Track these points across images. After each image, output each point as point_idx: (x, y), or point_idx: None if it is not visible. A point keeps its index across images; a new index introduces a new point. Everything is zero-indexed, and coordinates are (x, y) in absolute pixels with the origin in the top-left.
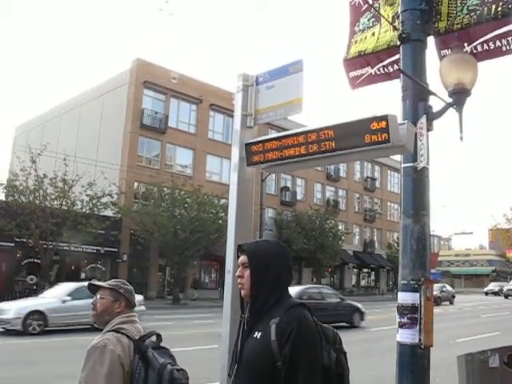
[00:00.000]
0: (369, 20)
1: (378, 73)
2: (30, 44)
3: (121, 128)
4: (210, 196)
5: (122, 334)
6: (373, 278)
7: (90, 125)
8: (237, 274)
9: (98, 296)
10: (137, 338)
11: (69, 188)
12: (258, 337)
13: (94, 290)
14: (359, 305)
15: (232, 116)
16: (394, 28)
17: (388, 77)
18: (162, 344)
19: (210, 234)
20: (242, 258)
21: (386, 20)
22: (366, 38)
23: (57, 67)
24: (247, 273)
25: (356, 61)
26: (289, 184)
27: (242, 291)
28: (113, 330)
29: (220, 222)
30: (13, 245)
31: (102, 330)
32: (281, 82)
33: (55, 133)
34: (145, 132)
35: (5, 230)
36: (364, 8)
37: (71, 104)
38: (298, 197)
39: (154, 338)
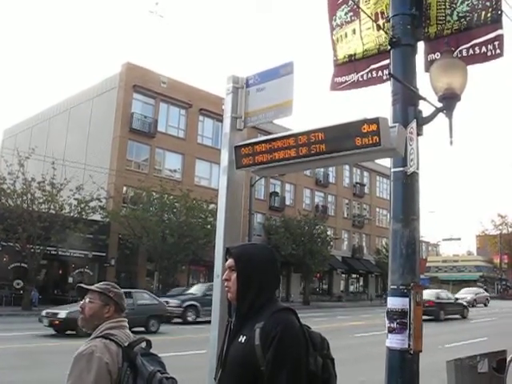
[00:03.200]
0: (346, 14)
1: (361, 79)
2: (20, 46)
3: (110, 132)
4: (199, 201)
5: (111, 340)
6: (361, 283)
7: (78, 128)
8: (223, 277)
9: (87, 299)
10: (126, 344)
11: (57, 192)
12: (243, 341)
13: (82, 293)
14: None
15: (221, 121)
16: (378, 27)
17: (371, 82)
18: (151, 350)
19: (199, 239)
20: (229, 261)
21: (367, 15)
22: (346, 35)
23: (46, 70)
24: (234, 276)
25: (345, 67)
26: (278, 189)
27: (229, 294)
28: (101, 336)
29: (209, 226)
30: (0, 249)
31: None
32: (271, 84)
33: (44, 136)
34: (134, 136)
35: None
36: (341, 0)
37: (60, 107)
38: (287, 202)
39: (143, 345)
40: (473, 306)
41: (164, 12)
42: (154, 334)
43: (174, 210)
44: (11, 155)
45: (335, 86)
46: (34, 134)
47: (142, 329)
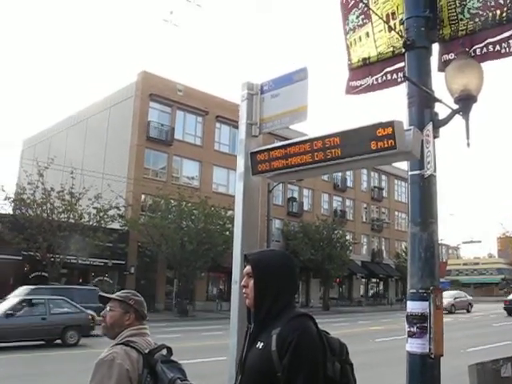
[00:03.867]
0: (357, 17)
1: (376, 83)
2: (38, 58)
3: (127, 141)
4: (217, 208)
5: (131, 347)
6: (381, 287)
7: (96, 138)
8: (242, 283)
9: (108, 308)
10: (146, 351)
11: (76, 201)
12: (260, 347)
13: (104, 301)
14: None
15: (238, 127)
16: (390, 28)
17: (386, 85)
18: (171, 357)
19: (218, 246)
20: (247, 268)
21: (379, 17)
22: (360, 38)
23: (63, 80)
24: (251, 282)
25: (360, 70)
26: (296, 195)
27: (247, 301)
28: (122, 343)
29: (227, 233)
30: (20, 258)
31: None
32: (285, 90)
33: (62, 146)
34: (151, 144)
35: (12, 243)
36: (351, 4)
37: (78, 117)
38: (305, 207)
39: (164, 352)
40: (450, 313)
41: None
42: (74, 347)
43: (193, 217)
44: (31, 165)
45: (350, 90)
46: (53, 144)
47: (59, 341)
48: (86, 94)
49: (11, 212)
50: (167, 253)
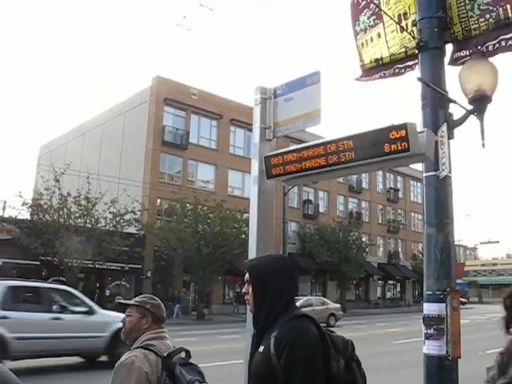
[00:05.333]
0: (369, 18)
1: (383, 75)
2: (53, 64)
3: (142, 145)
4: (233, 211)
5: (150, 350)
6: (398, 289)
7: (112, 143)
8: (243, 290)
9: (126, 313)
10: (165, 354)
11: (92, 206)
12: (261, 351)
13: (123, 308)
14: None
15: (252, 130)
16: (402, 28)
17: (393, 76)
18: (190, 360)
19: (234, 249)
20: (246, 275)
21: (390, 17)
22: (371, 39)
23: (79, 87)
24: (251, 289)
25: (372, 71)
26: (311, 197)
27: (249, 307)
28: (141, 347)
29: (243, 236)
30: (38, 263)
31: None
32: (299, 93)
33: (78, 151)
34: (166, 149)
35: (30, 248)
36: (362, 5)
37: (93, 123)
38: (321, 209)
39: (182, 355)
40: None
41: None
42: None
43: (208, 221)
44: (47, 171)
45: (357, 80)
46: (69, 150)
47: None
48: (101, 99)
49: (29, 218)
50: (183, 256)
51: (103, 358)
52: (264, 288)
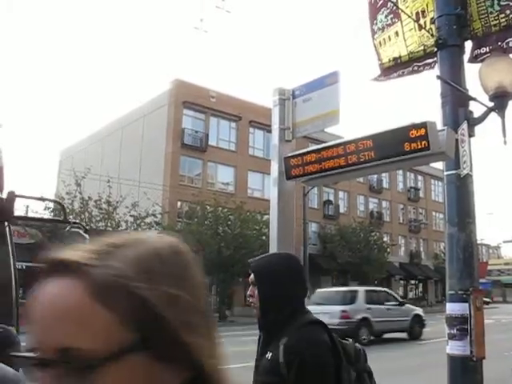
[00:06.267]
0: (386, 17)
1: (401, 74)
2: (72, 69)
3: (162, 148)
4: (253, 212)
5: None
6: (420, 289)
7: (132, 146)
8: (248, 292)
9: None
10: None
11: (113, 209)
12: (269, 357)
13: None
14: None
15: (271, 131)
16: (420, 26)
17: (411, 73)
18: None
19: (254, 251)
20: (251, 276)
21: (408, 15)
22: (389, 38)
23: (99, 91)
24: (257, 291)
25: (390, 70)
26: (331, 197)
27: (255, 310)
28: None
29: (263, 238)
30: None
31: None
32: (317, 94)
33: (98, 155)
34: (186, 151)
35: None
36: (380, 3)
37: (113, 126)
38: (341, 210)
39: None
40: None
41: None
42: None
43: (229, 223)
44: (68, 176)
45: (375, 80)
46: (89, 154)
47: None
48: (120, 103)
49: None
50: (204, 259)
51: (402, 335)
52: (270, 291)
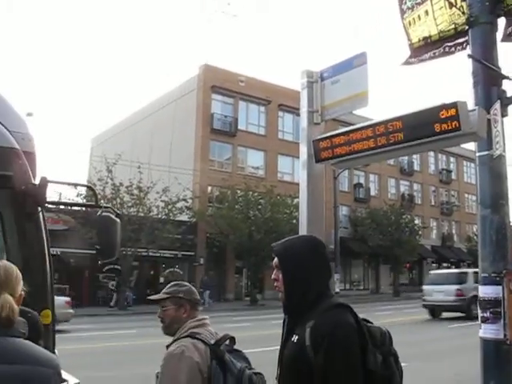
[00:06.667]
0: None
1: (432, 55)
2: (101, 56)
3: (192, 133)
4: (283, 196)
5: (198, 339)
6: None
7: (162, 132)
8: (272, 276)
9: (162, 308)
10: (212, 342)
11: (144, 195)
12: (295, 340)
13: (152, 303)
14: None
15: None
16: (451, 4)
17: (443, 55)
18: (240, 346)
19: (285, 234)
20: (275, 260)
21: None
22: (419, 17)
23: (129, 78)
24: (281, 274)
25: (421, 50)
26: (362, 180)
27: (280, 294)
28: (188, 336)
29: (294, 221)
30: (94, 252)
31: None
32: (345, 75)
33: (129, 142)
34: (215, 136)
35: (86, 237)
36: None
37: (143, 113)
38: (372, 193)
39: (227, 341)
40: None
41: (236, 11)
42: None
43: (259, 207)
44: (99, 162)
45: (406, 63)
46: (120, 140)
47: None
48: (150, 89)
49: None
50: (235, 243)
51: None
52: (294, 274)
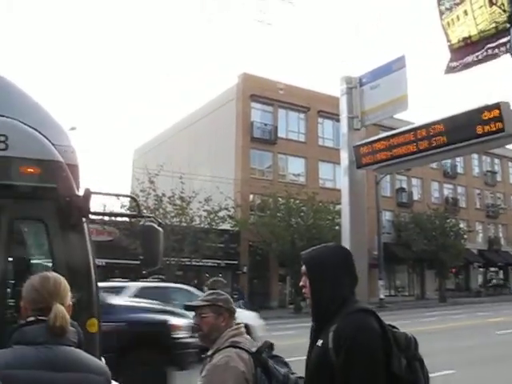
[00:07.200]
0: None
1: (476, 59)
2: (142, 67)
3: (232, 142)
4: (325, 203)
5: (240, 348)
6: (501, 276)
7: (202, 142)
8: (300, 283)
9: (200, 316)
10: (253, 350)
11: (187, 205)
12: (320, 345)
13: (190, 310)
14: None
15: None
16: (491, 3)
17: (485, 60)
18: (284, 354)
19: (328, 241)
20: (303, 268)
21: None
22: (458, 18)
23: (170, 88)
24: (309, 281)
25: (461, 51)
26: (404, 185)
27: (308, 300)
28: (230, 346)
29: (337, 228)
30: (138, 262)
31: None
32: (385, 80)
33: (170, 152)
34: (256, 144)
35: (130, 248)
36: None
37: (184, 123)
38: (415, 197)
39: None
40: None
41: (272, 20)
42: None
43: (301, 214)
44: (142, 173)
45: (449, 70)
46: (162, 151)
47: None
48: (190, 100)
49: (127, 219)
50: (278, 251)
51: None
52: (322, 280)
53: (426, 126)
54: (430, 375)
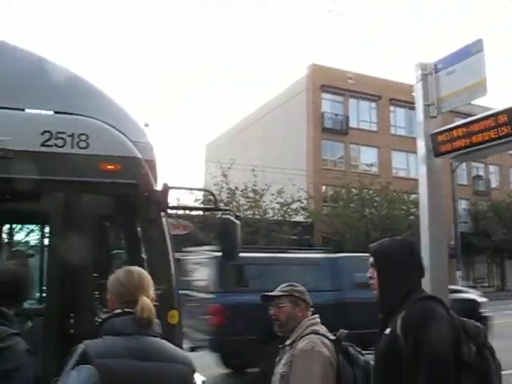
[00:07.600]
0: None
1: None
2: (213, 62)
3: (303, 134)
4: (399, 192)
5: (322, 335)
6: None
7: (274, 134)
8: (368, 274)
9: (277, 305)
10: (332, 337)
11: (259, 197)
12: (388, 332)
13: (267, 300)
14: None
15: (413, 108)
16: None
17: None
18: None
19: (403, 231)
20: (371, 260)
21: None
22: None
23: (240, 82)
24: (376, 273)
25: None
26: (481, 172)
27: (374, 291)
28: (312, 333)
29: (412, 217)
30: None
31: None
32: (461, 65)
33: (242, 145)
34: (327, 135)
35: (204, 242)
36: None
37: (255, 116)
38: (493, 185)
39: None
40: None
41: (341, 9)
42: None
43: (375, 204)
44: (214, 168)
45: None
46: (233, 145)
47: None
48: (261, 93)
49: (201, 213)
50: (352, 242)
51: None
52: (388, 273)
53: (507, 111)
54: (507, 372)
